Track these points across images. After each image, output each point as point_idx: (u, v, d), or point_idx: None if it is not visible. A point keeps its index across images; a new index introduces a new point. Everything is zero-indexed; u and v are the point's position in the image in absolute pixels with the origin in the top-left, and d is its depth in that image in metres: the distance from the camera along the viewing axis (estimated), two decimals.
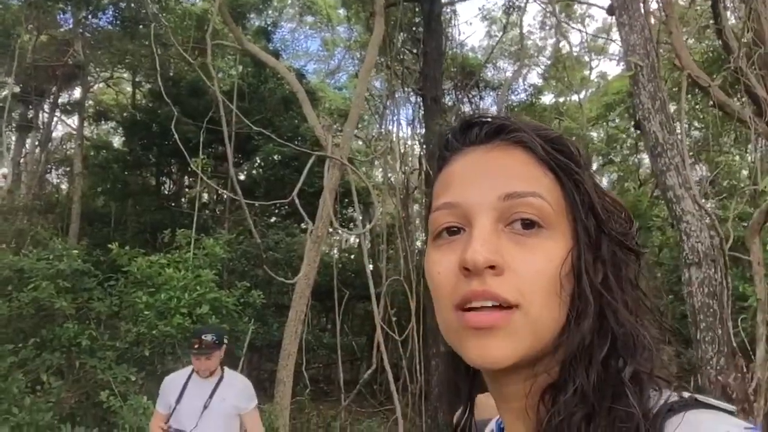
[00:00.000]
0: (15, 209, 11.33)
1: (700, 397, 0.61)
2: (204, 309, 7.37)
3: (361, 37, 17.14)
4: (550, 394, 0.66)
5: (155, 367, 7.29)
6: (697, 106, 13.59)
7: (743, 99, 7.02)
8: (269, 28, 16.73)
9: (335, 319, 12.16)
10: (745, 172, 13.61)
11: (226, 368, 3.89)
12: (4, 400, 5.65)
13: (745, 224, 7.91)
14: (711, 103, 7.10)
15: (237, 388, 3.79)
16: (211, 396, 3.70)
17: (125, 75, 17.85)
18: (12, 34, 11.91)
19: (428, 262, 0.71)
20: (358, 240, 16.15)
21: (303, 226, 13.21)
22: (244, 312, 8.72)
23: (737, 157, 13.78)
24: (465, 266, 0.64)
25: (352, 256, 15.76)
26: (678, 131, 5.84)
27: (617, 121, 17.80)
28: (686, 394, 0.62)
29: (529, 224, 0.66)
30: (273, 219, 15.49)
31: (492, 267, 0.63)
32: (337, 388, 11.11)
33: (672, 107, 11.37)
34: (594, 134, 19.83)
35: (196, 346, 3.68)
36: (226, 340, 3.92)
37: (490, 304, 0.64)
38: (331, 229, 11.26)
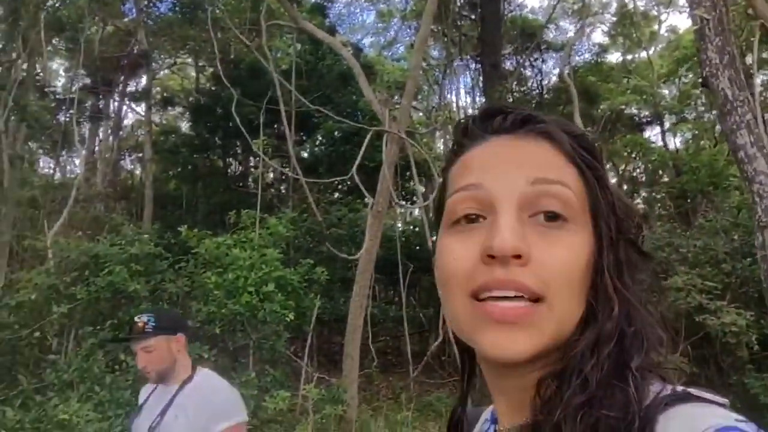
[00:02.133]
0: (91, 197, 11.88)
1: (694, 391, 0.61)
2: (270, 287, 7.55)
3: (416, 6, 16.88)
4: (549, 384, 0.65)
5: (226, 344, 7.56)
6: None
7: None
8: (324, 4, 16.70)
9: (401, 292, 12.23)
10: None
11: (200, 369, 2.69)
12: (87, 378, 6.00)
13: None
14: None
15: (202, 398, 2.53)
16: (162, 413, 2.54)
17: (188, 60, 18.29)
18: (80, 27, 12.37)
19: (442, 247, 0.70)
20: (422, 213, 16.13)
21: (366, 201, 13.30)
22: (310, 288, 8.88)
23: None
24: (490, 253, 0.63)
25: (416, 229, 15.73)
26: (751, 85, 5.49)
27: (690, 76, 16.92)
28: (679, 389, 0.61)
29: (552, 217, 0.65)
30: (336, 195, 15.62)
31: (518, 256, 0.62)
32: (405, 360, 11.21)
33: (749, 59, 10.69)
34: (665, 91, 18.95)
35: (128, 333, 2.63)
36: (175, 326, 2.70)
37: (512, 294, 0.63)
38: (394, 203, 11.28)
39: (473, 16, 14.97)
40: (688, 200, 13.92)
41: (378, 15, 20.36)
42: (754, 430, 0.55)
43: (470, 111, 16.44)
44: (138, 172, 18.55)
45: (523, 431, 0.68)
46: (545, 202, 0.65)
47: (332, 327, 12.75)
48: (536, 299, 0.63)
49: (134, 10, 14.56)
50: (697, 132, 18.09)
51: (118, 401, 5.81)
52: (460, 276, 0.66)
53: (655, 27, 19.70)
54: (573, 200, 0.66)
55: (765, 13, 6.74)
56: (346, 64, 12.19)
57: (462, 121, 0.78)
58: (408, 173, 13.70)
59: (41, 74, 14.23)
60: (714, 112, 16.46)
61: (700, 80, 5.69)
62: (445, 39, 14.02)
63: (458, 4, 14.61)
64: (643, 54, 18.78)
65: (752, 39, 10.34)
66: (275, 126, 14.57)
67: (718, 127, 17.11)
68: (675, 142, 19.16)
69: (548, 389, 0.65)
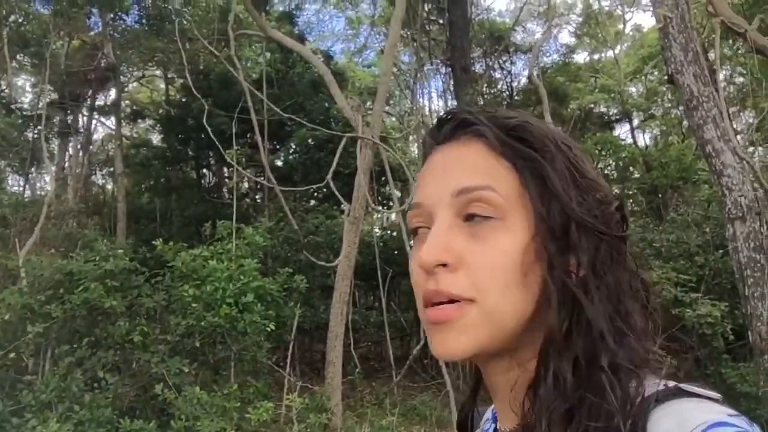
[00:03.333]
0: (63, 214, 11.70)
1: (685, 386, 0.61)
2: (249, 297, 7.50)
3: (385, 12, 16.96)
4: (532, 388, 0.66)
5: (207, 357, 7.49)
6: (740, 51, 13.03)
7: None
8: (293, 12, 16.69)
9: (381, 297, 12.23)
10: None
11: None
12: (65, 398, 5.89)
13: None
14: (750, 47, 6.79)
15: None
16: None
17: (157, 72, 18.12)
18: (45, 42, 12.18)
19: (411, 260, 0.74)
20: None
21: (342, 207, 13.29)
22: (290, 297, 8.84)
23: None
24: (420, 267, 0.67)
25: (394, 234, 15.76)
26: (715, 81, 5.61)
27: (656, 73, 17.24)
28: (671, 383, 0.61)
29: (481, 219, 0.67)
30: (312, 203, 15.59)
31: (444, 264, 0.65)
32: (387, 365, 11.22)
33: (712, 56, 10.92)
34: (633, 89, 19.27)
35: None
36: None
37: (446, 301, 0.66)
38: (370, 209, 11.29)
39: (441, 21, 15.09)
40: (659, 195, 14.14)
41: (347, 22, 20.41)
42: (746, 424, 0.55)
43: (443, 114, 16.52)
44: (110, 186, 18.32)
45: None
46: (472, 208, 0.67)
47: (313, 335, 12.71)
48: (470, 300, 0.65)
49: (100, 24, 14.39)
50: (665, 128, 18.42)
51: (98, 420, 5.72)
52: (416, 287, 0.70)
53: (620, 26, 20.06)
54: (497, 200, 0.66)
55: (724, 10, 6.90)
56: (317, 71, 12.20)
57: (425, 135, 0.80)
58: (383, 178, 13.73)
59: (7, 91, 14.00)
60: (681, 107, 16.79)
61: (665, 77, 5.80)
62: (415, 44, 14.09)
63: (426, 9, 14.70)
64: (610, 53, 19.11)
65: (713, 36, 10.56)
66: (248, 136, 14.50)
67: (685, 123, 17.47)
68: (644, 139, 19.53)
69: (531, 393, 0.66)
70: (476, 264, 0.65)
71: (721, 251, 8.74)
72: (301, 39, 14.75)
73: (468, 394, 0.88)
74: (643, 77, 18.22)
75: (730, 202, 4.63)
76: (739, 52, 13.10)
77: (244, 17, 13.46)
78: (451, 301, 0.65)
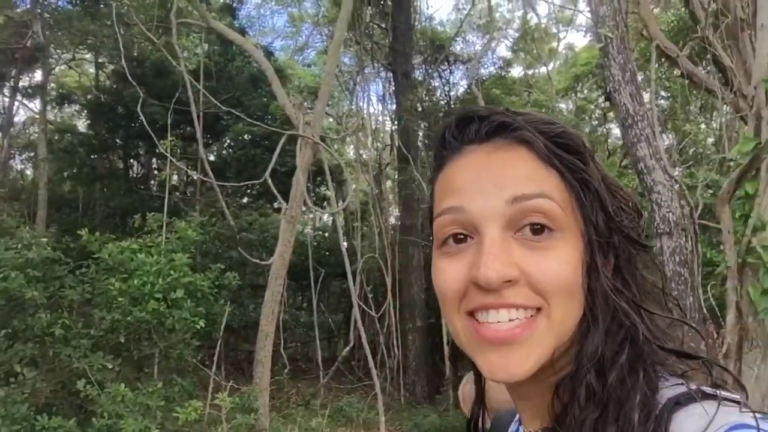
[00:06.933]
0: None
1: (707, 389, 0.61)
2: (179, 293, 7.29)
3: (328, 12, 16.90)
4: (564, 388, 0.66)
5: (131, 353, 7.23)
6: (664, 75, 13.73)
7: (709, 68, 7.10)
8: (234, 5, 16.40)
9: (311, 297, 12.16)
10: (710, 140, 13.85)
11: None
12: None
13: (712, 191, 8.07)
14: (679, 72, 7.16)
15: None
16: None
17: (87, 56, 17.38)
18: None
19: (435, 268, 0.70)
20: (332, 218, 16.15)
21: (276, 205, 13.15)
22: (220, 294, 8.65)
23: (702, 125, 13.99)
24: (477, 283, 0.63)
25: (327, 234, 15.70)
26: (647, 102, 5.90)
27: (585, 92, 17.92)
28: (693, 386, 0.61)
29: (539, 229, 0.65)
30: (245, 200, 15.36)
31: (508, 281, 0.63)
32: (315, 366, 11.18)
33: (641, 77, 11.46)
34: (563, 106, 19.94)
35: None
36: None
37: (506, 318, 0.63)
38: (305, 208, 11.20)
39: (385, 26, 15.18)
40: None
41: (289, 18, 20.20)
42: None
43: (381, 118, 16.64)
44: (29, 172, 17.41)
45: None
46: (528, 218, 0.65)
47: (240, 334, 12.50)
48: (532, 310, 0.64)
49: (29, 1, 13.69)
50: (591, 144, 19.12)
51: (13, 416, 5.42)
52: (453, 297, 0.67)
53: (554, 44, 20.71)
54: (556, 210, 0.65)
55: (658, 35, 7.25)
56: (257, 66, 12.01)
57: (440, 129, 0.76)
58: (319, 178, 13.70)
59: None
60: (607, 125, 17.54)
61: (603, 95, 6.04)
62: (358, 46, 14.12)
63: (370, 12, 14.76)
64: (543, 69, 19.68)
65: (644, 59, 11.09)
66: (181, 127, 14.13)
67: (611, 140, 18.26)
68: None
69: (564, 393, 0.66)
70: (539, 276, 0.63)
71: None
72: (242, 33, 14.50)
73: (476, 395, 0.89)
74: (573, 95, 18.89)
75: (659, 218, 4.87)
76: (664, 76, 13.81)
77: (183, 6, 13.11)
78: (511, 320, 0.64)
